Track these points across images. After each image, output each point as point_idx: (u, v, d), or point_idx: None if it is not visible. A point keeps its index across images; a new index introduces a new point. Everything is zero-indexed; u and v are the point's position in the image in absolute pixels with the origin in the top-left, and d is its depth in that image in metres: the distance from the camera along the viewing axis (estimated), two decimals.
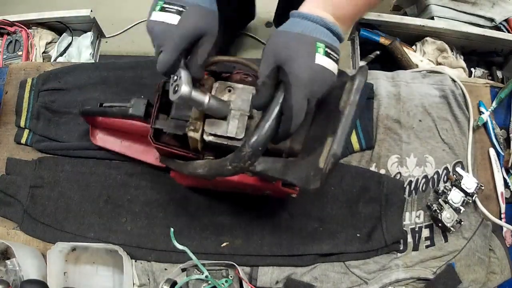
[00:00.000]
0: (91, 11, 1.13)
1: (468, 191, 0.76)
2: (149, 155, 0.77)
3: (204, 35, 0.51)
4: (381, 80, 0.86)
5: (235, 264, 0.69)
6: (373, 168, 0.80)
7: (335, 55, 0.49)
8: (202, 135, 0.55)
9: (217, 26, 0.53)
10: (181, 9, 0.49)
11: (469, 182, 0.76)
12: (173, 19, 0.49)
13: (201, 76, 0.52)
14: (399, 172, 0.80)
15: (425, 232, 0.78)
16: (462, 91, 0.86)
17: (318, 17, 0.49)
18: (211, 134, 0.55)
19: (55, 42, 1.16)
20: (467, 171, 0.81)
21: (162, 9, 0.50)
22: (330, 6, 0.50)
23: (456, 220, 0.75)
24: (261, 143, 0.46)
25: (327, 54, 0.47)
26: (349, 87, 0.49)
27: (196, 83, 0.52)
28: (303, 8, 0.51)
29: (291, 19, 0.51)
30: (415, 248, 0.76)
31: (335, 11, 0.51)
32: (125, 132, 0.77)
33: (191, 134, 0.55)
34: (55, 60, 1.13)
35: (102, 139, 0.79)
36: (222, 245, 0.75)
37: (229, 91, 0.55)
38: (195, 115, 0.55)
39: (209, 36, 0.51)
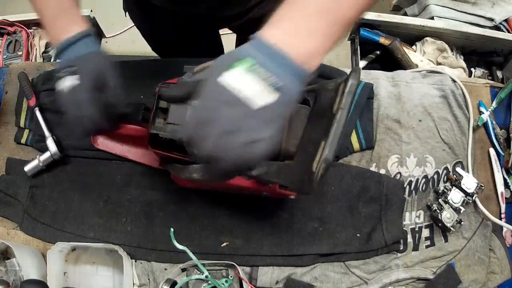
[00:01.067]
0: (91, 11, 1.13)
1: (468, 191, 0.76)
2: (150, 158, 0.77)
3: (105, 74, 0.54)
4: (381, 80, 0.86)
5: (235, 264, 0.69)
6: (373, 168, 0.80)
7: (272, 80, 0.38)
8: None
9: (108, 62, 0.55)
10: (74, 69, 0.51)
11: (469, 182, 0.76)
12: (72, 80, 0.51)
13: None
14: (399, 172, 0.80)
15: (425, 232, 0.78)
16: (462, 91, 0.86)
17: (271, 45, 0.39)
18: None
19: None
20: (467, 171, 0.81)
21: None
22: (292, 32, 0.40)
23: (456, 220, 0.75)
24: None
25: (251, 70, 0.37)
26: (342, 90, 0.49)
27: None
28: (266, 29, 0.41)
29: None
30: (415, 248, 0.76)
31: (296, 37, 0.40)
32: (125, 136, 0.77)
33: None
34: (55, 60, 1.13)
35: (103, 143, 0.79)
36: (222, 245, 0.75)
37: None
38: None
39: (109, 75, 0.54)
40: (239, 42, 1.13)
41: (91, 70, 0.52)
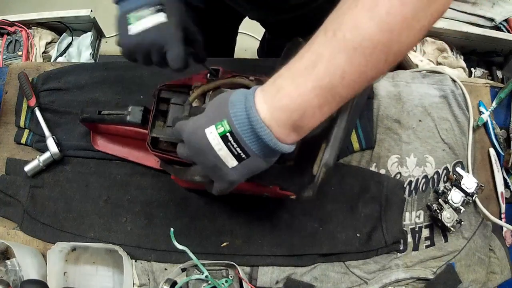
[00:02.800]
0: (91, 11, 1.14)
1: (468, 191, 0.76)
2: (150, 159, 0.77)
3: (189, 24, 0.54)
4: (381, 80, 0.86)
5: (235, 264, 0.69)
6: (373, 168, 0.80)
7: (239, 151, 0.41)
8: None
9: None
10: (159, 7, 0.51)
11: (469, 182, 0.76)
12: (159, 17, 0.50)
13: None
14: (399, 172, 0.80)
15: (425, 232, 0.78)
16: (462, 91, 0.86)
17: (254, 114, 0.39)
18: None
19: (55, 42, 1.16)
20: (467, 171, 0.80)
21: (139, 18, 0.51)
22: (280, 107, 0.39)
23: (456, 220, 0.75)
24: None
25: (224, 138, 0.41)
26: None
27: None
28: (258, 91, 0.41)
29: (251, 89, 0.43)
30: (415, 248, 0.76)
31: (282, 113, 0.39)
32: (126, 138, 0.77)
33: None
34: (55, 60, 1.13)
35: (103, 145, 0.79)
36: (222, 245, 0.75)
37: None
38: None
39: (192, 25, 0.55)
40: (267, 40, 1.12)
41: (179, 10, 0.53)
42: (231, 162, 0.42)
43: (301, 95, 0.38)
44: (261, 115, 0.40)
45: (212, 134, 0.41)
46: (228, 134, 0.41)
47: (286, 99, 0.39)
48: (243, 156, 0.42)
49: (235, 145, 0.41)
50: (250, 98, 0.40)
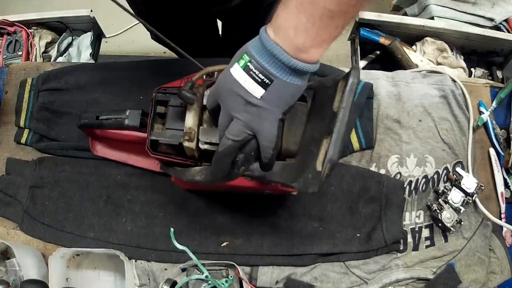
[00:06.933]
0: (91, 11, 1.13)
1: (468, 191, 0.76)
2: (150, 162, 0.76)
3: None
4: (381, 80, 0.86)
5: (235, 264, 0.69)
6: (373, 168, 0.80)
7: (262, 77, 0.43)
8: (197, 144, 0.55)
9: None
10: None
11: (469, 182, 0.76)
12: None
13: None
14: (399, 172, 0.80)
15: (425, 232, 0.78)
16: (462, 91, 0.86)
17: (265, 36, 0.44)
18: (206, 143, 0.54)
19: (55, 42, 1.16)
20: (467, 171, 0.81)
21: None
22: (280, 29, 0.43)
23: (456, 220, 0.75)
24: (253, 148, 0.46)
25: (246, 69, 0.44)
26: (341, 87, 0.48)
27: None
28: (267, 26, 0.46)
29: None
30: (415, 248, 0.76)
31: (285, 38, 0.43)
32: (125, 142, 0.77)
33: (186, 144, 0.54)
34: (55, 60, 1.13)
35: (102, 150, 0.79)
36: (222, 245, 0.75)
37: None
38: (188, 124, 0.55)
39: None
40: (224, 29, 1.15)
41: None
42: (258, 91, 0.44)
43: (289, 12, 0.42)
44: (270, 36, 0.43)
45: (236, 70, 0.44)
46: (248, 64, 0.44)
47: (280, 19, 0.43)
48: (267, 81, 0.43)
49: (257, 72, 0.43)
50: (262, 31, 0.44)
